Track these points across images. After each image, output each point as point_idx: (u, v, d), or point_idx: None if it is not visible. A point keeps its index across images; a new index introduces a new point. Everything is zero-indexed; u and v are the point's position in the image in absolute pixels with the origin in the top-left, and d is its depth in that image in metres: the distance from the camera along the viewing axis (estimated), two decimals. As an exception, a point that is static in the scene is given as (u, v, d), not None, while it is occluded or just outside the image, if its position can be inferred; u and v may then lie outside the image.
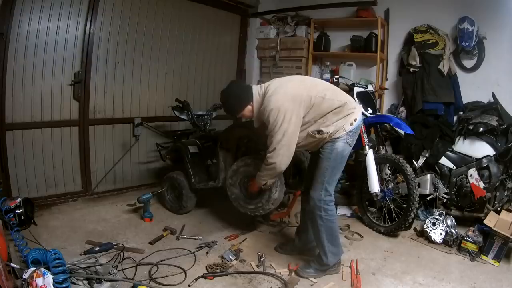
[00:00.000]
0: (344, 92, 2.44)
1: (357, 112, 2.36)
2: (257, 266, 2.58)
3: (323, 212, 2.35)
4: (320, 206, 2.34)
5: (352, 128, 2.30)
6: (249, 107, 2.41)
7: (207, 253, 2.74)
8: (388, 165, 3.34)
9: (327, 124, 2.28)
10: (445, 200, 3.31)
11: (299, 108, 2.24)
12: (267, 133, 2.31)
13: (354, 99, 3.02)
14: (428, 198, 3.32)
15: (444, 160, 3.37)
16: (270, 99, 2.25)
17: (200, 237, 2.97)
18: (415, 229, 3.27)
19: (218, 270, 2.46)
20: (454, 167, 3.32)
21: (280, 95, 2.25)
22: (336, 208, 3.57)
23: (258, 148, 3.12)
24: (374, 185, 3.07)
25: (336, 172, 2.37)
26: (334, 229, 2.44)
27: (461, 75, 3.87)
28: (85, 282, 2.22)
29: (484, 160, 3.21)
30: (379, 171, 3.25)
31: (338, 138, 2.29)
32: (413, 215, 3.02)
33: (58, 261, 2.11)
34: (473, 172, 3.19)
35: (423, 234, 3.13)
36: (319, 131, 2.29)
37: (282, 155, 2.27)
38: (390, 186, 3.28)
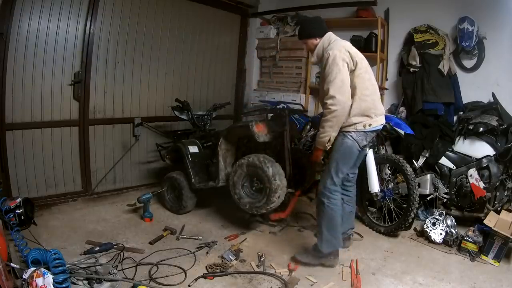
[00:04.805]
0: (379, 99, 2.66)
1: (376, 121, 2.54)
2: (257, 266, 2.58)
3: (325, 199, 2.52)
4: (324, 193, 2.53)
5: (364, 129, 2.49)
6: (314, 40, 2.64)
7: (207, 253, 2.74)
8: (388, 165, 3.34)
9: (350, 113, 2.44)
10: (445, 200, 3.31)
11: (348, 61, 2.44)
12: (323, 76, 2.50)
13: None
14: (428, 198, 3.32)
15: (444, 160, 3.37)
16: (334, 44, 2.53)
17: (200, 237, 2.97)
18: (415, 229, 3.28)
19: (218, 270, 2.46)
20: (454, 167, 3.32)
21: (344, 46, 2.50)
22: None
23: (258, 148, 3.13)
24: (374, 185, 3.07)
25: (342, 166, 2.53)
26: (335, 219, 2.55)
27: (461, 75, 3.86)
28: (85, 282, 2.22)
29: (484, 160, 3.20)
30: (379, 171, 3.25)
31: (348, 133, 2.48)
32: (413, 215, 3.02)
33: (58, 261, 2.11)
34: (473, 172, 3.19)
35: (423, 234, 3.13)
36: None
37: (342, 100, 2.35)
38: (390, 186, 3.28)
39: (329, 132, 2.41)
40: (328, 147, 2.50)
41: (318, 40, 2.63)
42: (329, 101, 2.36)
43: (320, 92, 2.62)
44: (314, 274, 2.49)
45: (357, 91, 2.43)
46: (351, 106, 2.42)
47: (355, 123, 2.46)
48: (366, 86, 2.47)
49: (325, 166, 2.72)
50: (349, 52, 2.47)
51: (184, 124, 4.16)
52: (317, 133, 2.51)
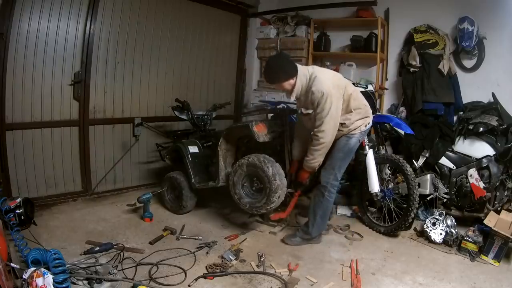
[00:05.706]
0: (363, 98, 2.87)
1: (371, 118, 2.87)
2: (257, 266, 2.58)
3: (327, 192, 2.79)
4: (327, 187, 2.78)
5: (366, 129, 2.82)
6: (291, 81, 2.64)
7: (207, 253, 2.74)
8: (388, 165, 3.34)
9: (351, 122, 2.71)
10: (445, 200, 3.31)
11: (340, 95, 2.61)
12: (313, 112, 2.62)
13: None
14: (428, 198, 3.32)
15: (444, 160, 3.37)
16: (320, 81, 2.53)
17: (200, 237, 2.97)
18: (415, 229, 3.27)
19: (218, 270, 2.46)
20: (454, 167, 3.32)
21: (329, 81, 2.57)
22: (336, 208, 3.63)
23: (258, 148, 3.13)
24: (374, 185, 3.07)
25: (345, 163, 2.83)
26: (329, 208, 2.91)
27: (461, 75, 3.87)
28: (85, 282, 2.22)
29: (484, 160, 3.20)
30: (379, 171, 3.25)
31: (353, 135, 2.75)
32: (413, 215, 3.02)
33: (58, 261, 2.12)
34: (473, 172, 3.19)
35: (423, 234, 3.13)
36: (343, 124, 2.69)
37: (331, 134, 2.60)
38: (390, 186, 3.28)
39: (318, 159, 2.71)
40: (315, 170, 2.81)
41: (295, 78, 2.62)
42: (320, 134, 2.59)
43: (307, 121, 2.76)
44: (314, 274, 2.49)
45: (351, 108, 2.70)
46: (351, 118, 2.70)
47: (359, 126, 2.75)
48: (355, 98, 2.72)
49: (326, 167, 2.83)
50: (337, 84, 2.62)
51: (184, 124, 4.16)
52: (306, 158, 2.74)
